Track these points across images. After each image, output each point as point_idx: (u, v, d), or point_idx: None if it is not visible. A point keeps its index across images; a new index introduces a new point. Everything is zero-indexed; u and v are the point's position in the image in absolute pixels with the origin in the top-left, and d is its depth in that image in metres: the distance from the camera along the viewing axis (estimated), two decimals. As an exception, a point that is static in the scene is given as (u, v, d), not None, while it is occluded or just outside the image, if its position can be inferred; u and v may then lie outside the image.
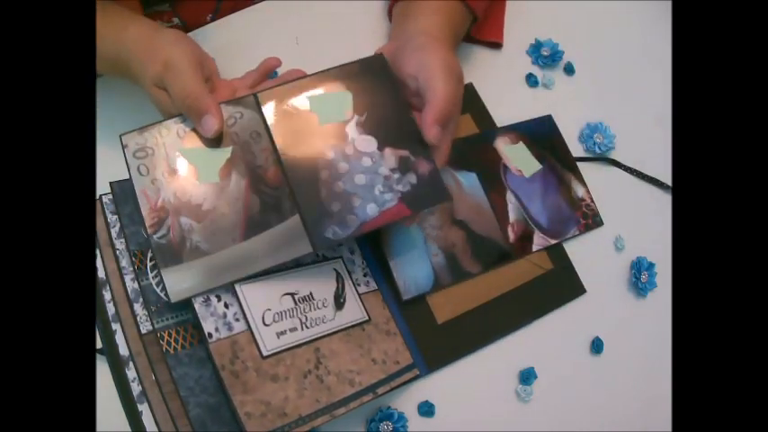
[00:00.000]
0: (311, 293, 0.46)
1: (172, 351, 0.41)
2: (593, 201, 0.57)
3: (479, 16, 0.56)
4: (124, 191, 0.45)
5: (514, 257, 0.53)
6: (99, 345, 0.44)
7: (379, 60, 0.50)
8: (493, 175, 0.56)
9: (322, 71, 0.49)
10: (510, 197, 0.55)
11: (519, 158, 0.57)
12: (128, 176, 0.44)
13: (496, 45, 0.63)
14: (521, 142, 0.58)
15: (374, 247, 0.52)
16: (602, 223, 0.57)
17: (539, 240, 0.54)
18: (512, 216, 0.55)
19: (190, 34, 0.59)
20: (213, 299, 0.42)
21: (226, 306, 0.42)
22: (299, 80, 0.49)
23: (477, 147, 0.57)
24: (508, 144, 0.57)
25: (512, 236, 0.54)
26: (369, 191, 0.45)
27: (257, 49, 0.59)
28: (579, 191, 0.57)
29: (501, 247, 0.53)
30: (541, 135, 0.59)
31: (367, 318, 0.48)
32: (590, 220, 0.57)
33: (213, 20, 0.63)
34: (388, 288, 0.51)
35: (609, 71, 0.64)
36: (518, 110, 0.60)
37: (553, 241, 0.55)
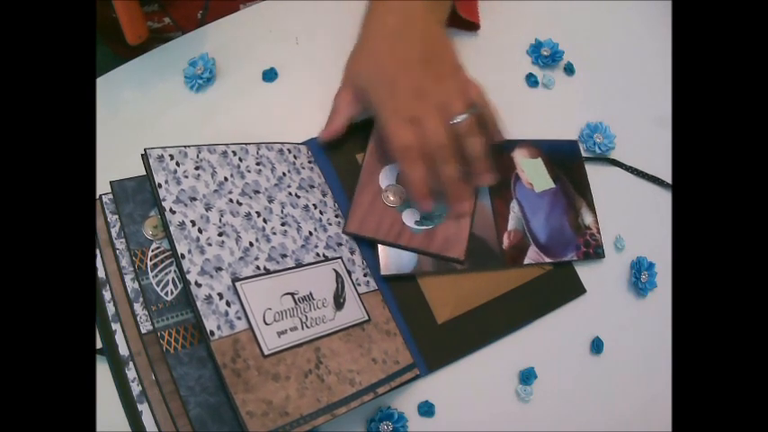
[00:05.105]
0: (311, 293, 0.46)
1: (172, 351, 0.41)
2: (599, 231, 0.56)
3: None
4: (124, 191, 0.45)
5: (504, 264, 0.53)
6: (99, 345, 0.44)
7: None
8: (502, 182, 0.55)
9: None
10: (513, 206, 0.55)
11: (534, 173, 0.56)
12: (127, 176, 0.44)
13: (473, 27, 0.61)
14: (539, 158, 0.57)
15: (374, 247, 0.52)
16: (604, 255, 0.56)
17: (532, 254, 0.53)
18: (511, 224, 0.54)
19: (189, 34, 0.59)
20: (215, 296, 0.42)
21: (228, 304, 0.42)
22: None
23: (494, 152, 0.55)
24: (526, 157, 0.57)
25: (506, 242, 0.53)
26: None
27: (257, 49, 0.59)
28: (587, 219, 0.57)
29: (492, 250, 0.53)
30: (563, 157, 0.58)
31: (367, 318, 0.48)
32: (591, 249, 0.56)
33: (203, 17, 0.62)
34: (388, 288, 0.51)
35: (609, 71, 0.64)
36: (518, 110, 0.60)
37: (547, 259, 0.54)
